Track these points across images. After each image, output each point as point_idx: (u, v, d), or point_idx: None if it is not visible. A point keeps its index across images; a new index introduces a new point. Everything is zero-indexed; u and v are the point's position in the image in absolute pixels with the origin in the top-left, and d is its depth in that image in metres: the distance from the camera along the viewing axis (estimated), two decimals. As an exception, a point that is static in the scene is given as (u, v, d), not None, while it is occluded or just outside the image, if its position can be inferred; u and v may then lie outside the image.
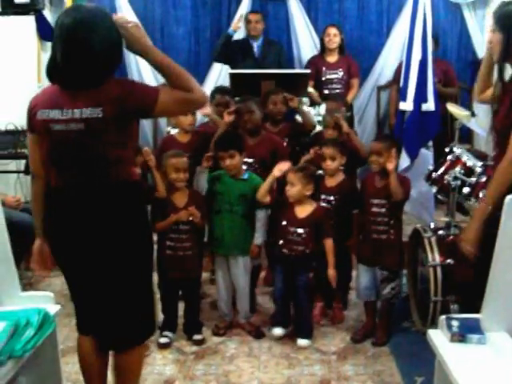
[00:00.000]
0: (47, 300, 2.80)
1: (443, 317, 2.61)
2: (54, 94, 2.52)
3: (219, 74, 6.70)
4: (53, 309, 2.71)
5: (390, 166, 3.71)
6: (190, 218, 3.71)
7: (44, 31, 5.93)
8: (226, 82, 5.56)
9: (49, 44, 6.18)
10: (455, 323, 2.54)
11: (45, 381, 2.83)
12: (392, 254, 3.82)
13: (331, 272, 3.79)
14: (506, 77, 2.87)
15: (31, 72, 5.91)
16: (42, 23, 5.90)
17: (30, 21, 5.82)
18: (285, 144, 4.53)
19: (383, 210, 3.79)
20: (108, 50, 2.45)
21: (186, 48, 6.95)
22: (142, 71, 6.65)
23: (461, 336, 2.49)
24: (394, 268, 3.86)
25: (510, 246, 2.47)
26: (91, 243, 2.56)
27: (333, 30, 6.17)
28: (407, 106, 4.80)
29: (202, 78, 6.50)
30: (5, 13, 5.16)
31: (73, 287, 2.74)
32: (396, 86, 6.17)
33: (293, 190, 3.76)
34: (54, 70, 2.50)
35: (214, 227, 3.91)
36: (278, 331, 3.89)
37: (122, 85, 2.49)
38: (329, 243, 3.79)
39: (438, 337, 2.55)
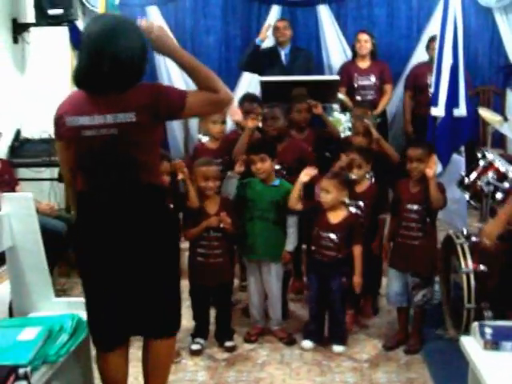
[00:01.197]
0: (80, 306, 2.82)
1: (476, 323, 2.59)
2: (81, 100, 2.56)
3: (250, 82, 6.70)
4: (85, 315, 2.74)
5: (431, 172, 3.67)
6: (221, 225, 3.73)
7: (77, 41, 6.01)
8: (256, 89, 5.56)
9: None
10: (488, 330, 2.51)
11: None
12: (425, 260, 3.80)
13: (357, 279, 3.78)
14: None
15: (65, 82, 6.01)
16: (75, 33, 5.99)
17: (63, 31, 5.93)
18: (310, 150, 4.55)
19: (417, 215, 3.77)
20: (136, 55, 2.51)
21: (217, 56, 6.97)
22: (171, 73, 6.71)
23: (494, 343, 2.46)
24: (427, 274, 3.83)
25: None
26: (121, 244, 2.60)
27: (364, 36, 6.13)
28: (439, 111, 4.75)
29: (232, 85, 6.43)
30: (39, 24, 5.23)
31: (99, 293, 2.71)
32: (409, 92, 6.26)
33: (328, 196, 3.76)
34: (82, 77, 2.55)
35: (245, 234, 3.92)
36: (307, 344, 3.88)
37: (151, 89, 2.55)
38: (357, 250, 3.79)
39: (470, 344, 2.52)
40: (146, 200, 2.61)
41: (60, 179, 5.07)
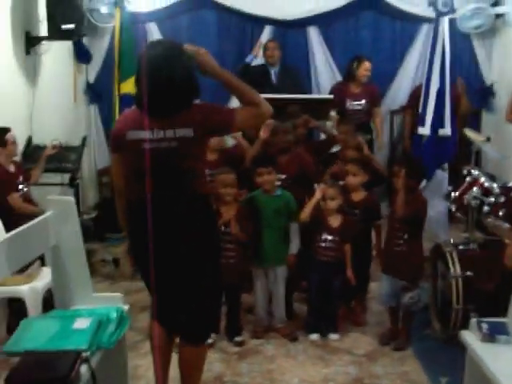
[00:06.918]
0: (117, 301, 3.07)
1: (474, 319, 2.94)
2: (137, 117, 2.85)
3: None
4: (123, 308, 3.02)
5: (398, 183, 4.15)
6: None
7: (81, 55, 6.38)
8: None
9: (83, 66, 6.60)
10: (485, 325, 2.87)
11: (115, 373, 3.14)
12: (409, 267, 4.17)
13: (349, 273, 4.20)
14: None
15: (69, 93, 6.34)
16: (80, 48, 6.31)
17: (67, 45, 6.25)
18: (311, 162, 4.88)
19: (401, 225, 4.16)
20: (189, 79, 2.84)
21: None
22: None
23: (490, 336, 2.82)
24: (412, 279, 4.20)
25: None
26: (173, 247, 2.90)
27: (367, 64, 6.41)
28: (425, 130, 5.16)
29: (225, 102, 6.06)
30: (51, 37, 5.49)
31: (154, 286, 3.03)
32: (410, 110, 6.48)
33: (333, 203, 4.20)
34: (142, 99, 2.80)
35: (256, 244, 4.25)
36: (314, 336, 4.27)
37: (204, 108, 2.89)
38: (348, 248, 4.22)
39: (469, 337, 2.88)
40: (196, 207, 2.91)
41: (71, 184, 5.36)
